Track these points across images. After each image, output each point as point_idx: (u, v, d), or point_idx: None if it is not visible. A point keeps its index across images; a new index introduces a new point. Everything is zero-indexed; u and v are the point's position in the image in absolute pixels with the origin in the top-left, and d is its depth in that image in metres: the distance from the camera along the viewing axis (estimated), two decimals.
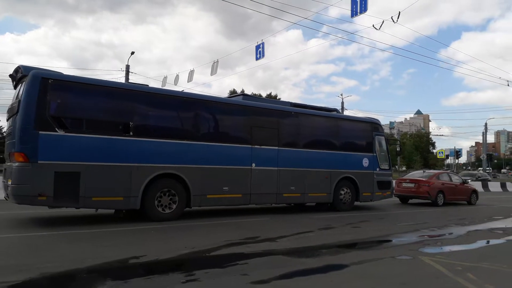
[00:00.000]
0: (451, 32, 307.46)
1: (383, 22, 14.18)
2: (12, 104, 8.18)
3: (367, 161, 12.65)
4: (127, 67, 26.88)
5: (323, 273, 4.96)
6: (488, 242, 7.85)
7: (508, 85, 26.42)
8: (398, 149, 17.18)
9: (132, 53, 27.00)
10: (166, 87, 19.99)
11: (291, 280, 4.59)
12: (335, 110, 13.40)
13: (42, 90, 7.47)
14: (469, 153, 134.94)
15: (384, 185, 13.16)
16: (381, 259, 5.75)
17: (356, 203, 12.52)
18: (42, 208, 8.61)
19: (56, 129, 7.55)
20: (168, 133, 9.13)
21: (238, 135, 10.24)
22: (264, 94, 65.12)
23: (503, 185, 30.07)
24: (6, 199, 8.10)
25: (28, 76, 7.52)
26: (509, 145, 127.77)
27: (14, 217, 8.83)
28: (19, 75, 8.14)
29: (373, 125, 13.40)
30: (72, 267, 4.72)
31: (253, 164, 10.13)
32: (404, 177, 17.42)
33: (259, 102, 11.31)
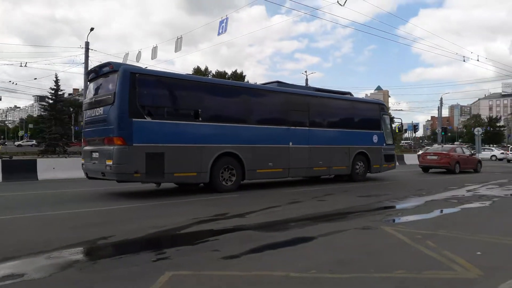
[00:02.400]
0: (410, 8, 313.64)
1: None
2: (100, 96, 9.40)
3: (377, 137, 14.51)
4: (87, 44, 25.55)
5: (292, 245, 5.10)
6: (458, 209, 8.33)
7: (464, 61, 27.38)
8: (400, 126, 18.92)
9: (92, 29, 25.64)
10: (128, 63, 19.35)
11: (262, 254, 4.69)
12: (349, 93, 15.09)
13: (132, 83, 8.75)
14: (425, 127, 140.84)
15: (390, 158, 15.23)
16: (346, 230, 5.97)
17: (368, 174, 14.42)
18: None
19: (145, 116, 8.91)
20: (227, 117, 10.64)
21: (279, 117, 11.79)
22: (229, 72, 64.34)
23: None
24: (103, 176, 9.20)
25: (119, 71, 8.75)
26: (462, 119, 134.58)
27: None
28: (105, 69, 9.39)
29: (380, 106, 15.55)
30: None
31: (290, 143, 11.74)
32: (428, 151, 21.16)
33: (292, 89, 12.85)
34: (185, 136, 9.58)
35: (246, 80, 63.59)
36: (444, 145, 22.90)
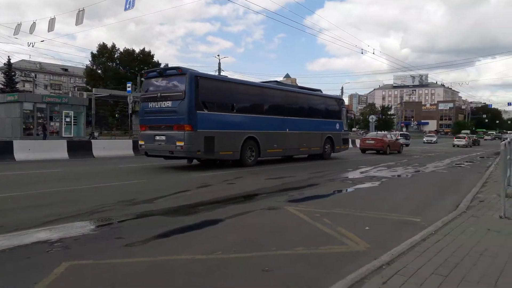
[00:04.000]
0: (317, 0, 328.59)
1: None
2: (168, 92, 11.73)
3: (338, 125, 18.51)
4: None
5: (200, 228, 5.15)
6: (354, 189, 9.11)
7: (362, 53, 30.49)
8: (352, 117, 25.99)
9: None
10: (19, 36, 17.31)
11: (169, 238, 4.66)
12: (320, 90, 18.73)
13: (196, 84, 11.37)
14: None
15: (346, 141, 19.77)
16: (253, 211, 6.22)
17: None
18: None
19: (204, 109, 11.61)
20: (250, 109, 13.75)
21: (280, 109, 15.06)
22: (137, 50, 61.13)
23: (353, 142, 34.86)
24: (170, 154, 11.73)
25: (188, 74, 11.39)
26: (359, 107, 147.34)
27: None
28: (171, 72, 12.18)
29: (341, 101, 20.26)
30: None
31: (287, 129, 15.10)
32: (367, 137, 25.71)
33: (288, 87, 17.55)
34: (227, 124, 12.54)
35: (156, 59, 61.17)
36: (378, 132, 28.77)
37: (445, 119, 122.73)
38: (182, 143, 11.12)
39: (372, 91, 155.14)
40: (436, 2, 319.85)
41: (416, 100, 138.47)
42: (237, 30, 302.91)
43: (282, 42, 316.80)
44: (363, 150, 23.91)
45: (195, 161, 13.89)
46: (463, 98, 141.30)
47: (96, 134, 34.66)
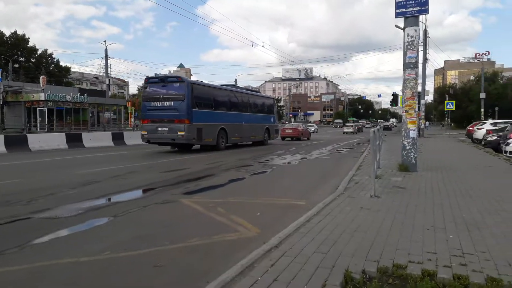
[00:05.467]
0: None
1: None
2: (170, 95, 15.79)
3: (272, 119, 23.93)
4: None
5: (85, 229, 4.78)
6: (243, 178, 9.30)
7: (252, 46, 31.95)
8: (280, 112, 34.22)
9: None
10: None
11: (48, 242, 4.24)
12: (258, 91, 31.78)
13: (191, 89, 15.82)
14: None
15: (277, 132, 25.27)
16: (146, 206, 5.99)
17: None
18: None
19: (196, 107, 15.93)
20: (222, 107, 18.31)
21: (238, 107, 19.96)
22: (7, 32, 53.40)
23: None
24: (173, 142, 16.06)
25: (185, 82, 16.05)
26: None
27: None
28: (172, 79, 16.52)
29: (274, 99, 27.10)
30: None
31: (243, 122, 19.87)
32: (286, 127, 30.43)
33: (242, 89, 23.15)
34: (209, 118, 16.82)
35: (32, 44, 54.51)
36: (294, 123, 37.73)
37: (328, 110, 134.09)
38: (183, 133, 15.33)
39: (263, 83, 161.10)
40: (318, 0, 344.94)
41: (303, 92, 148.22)
42: (125, 16, 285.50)
43: (174, 30, 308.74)
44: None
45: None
46: (342, 91, 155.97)
47: None
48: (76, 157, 14.11)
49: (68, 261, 3.63)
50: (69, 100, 35.76)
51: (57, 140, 18.74)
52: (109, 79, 42.65)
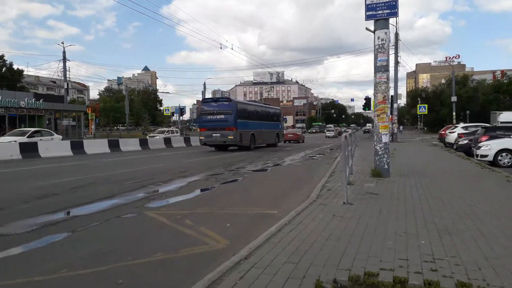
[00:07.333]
0: None
1: None
2: (222, 110, 22.17)
3: (280, 126, 29.32)
4: None
5: (40, 246, 4.45)
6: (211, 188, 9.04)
7: (221, 48, 32.43)
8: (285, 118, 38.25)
9: None
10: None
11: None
12: (270, 104, 34.52)
13: (236, 106, 22.66)
14: (191, 110, 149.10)
15: (283, 136, 30.64)
16: (107, 220, 5.67)
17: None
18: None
19: (239, 119, 22.12)
20: (252, 118, 24.20)
21: (261, 117, 25.77)
22: None
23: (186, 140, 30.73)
24: (238, 145, 22.52)
25: (233, 102, 23.57)
26: None
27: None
28: (223, 99, 27.19)
29: (280, 110, 31.32)
30: None
31: (263, 128, 25.42)
32: (288, 132, 36.94)
33: (261, 103, 30.45)
34: (246, 126, 22.59)
35: None
36: (295, 128, 53.22)
37: (300, 115, 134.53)
38: (232, 137, 21.32)
39: (234, 87, 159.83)
40: (287, 0, 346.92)
41: (275, 96, 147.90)
42: (85, 15, 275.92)
43: (138, 31, 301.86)
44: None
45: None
46: (315, 95, 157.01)
47: None
48: (31, 168, 13.37)
49: (20, 281, 3.35)
50: (23, 106, 34.15)
51: (10, 150, 17.20)
52: (67, 83, 40.90)
